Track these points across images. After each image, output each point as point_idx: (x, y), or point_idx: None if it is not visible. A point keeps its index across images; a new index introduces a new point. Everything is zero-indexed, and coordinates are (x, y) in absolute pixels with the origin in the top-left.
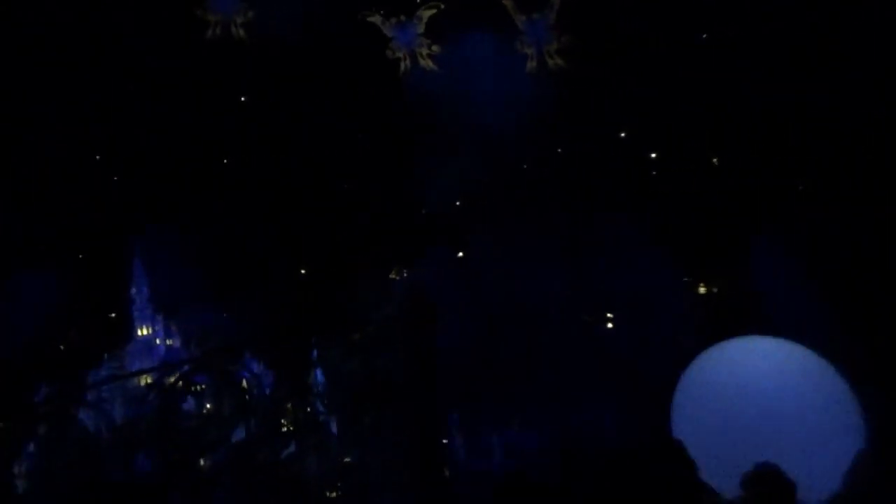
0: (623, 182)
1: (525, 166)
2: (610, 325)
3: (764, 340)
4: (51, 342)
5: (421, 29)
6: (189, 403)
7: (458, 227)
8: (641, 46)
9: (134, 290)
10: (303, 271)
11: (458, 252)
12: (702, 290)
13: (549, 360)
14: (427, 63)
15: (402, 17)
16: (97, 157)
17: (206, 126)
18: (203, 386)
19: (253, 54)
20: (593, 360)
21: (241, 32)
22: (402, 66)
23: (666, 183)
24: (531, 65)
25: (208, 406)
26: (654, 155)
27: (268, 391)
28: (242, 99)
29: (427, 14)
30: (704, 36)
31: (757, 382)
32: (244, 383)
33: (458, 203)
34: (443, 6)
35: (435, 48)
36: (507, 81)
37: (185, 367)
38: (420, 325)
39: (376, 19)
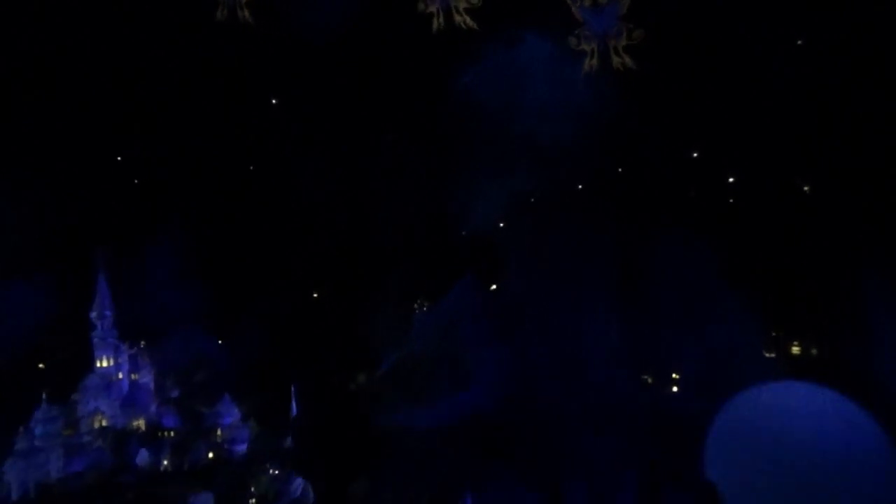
0: (695, 210)
1: (579, 186)
2: (675, 389)
3: (804, 385)
4: None
5: None
6: (143, 457)
7: (496, 255)
8: (728, 48)
9: (95, 314)
10: (314, 295)
11: (491, 284)
12: (795, 349)
13: (598, 430)
14: (464, 19)
15: None
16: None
17: (203, 126)
18: (172, 433)
19: (261, 44)
20: (655, 432)
21: (247, 14)
22: (435, 23)
23: (747, 212)
24: (590, 63)
25: (165, 462)
26: (731, 179)
27: (243, 446)
28: (250, 98)
29: None
30: (799, 42)
31: (795, 427)
32: (219, 432)
33: (500, 224)
34: None
35: (475, 0)
36: (560, 81)
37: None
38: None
39: None
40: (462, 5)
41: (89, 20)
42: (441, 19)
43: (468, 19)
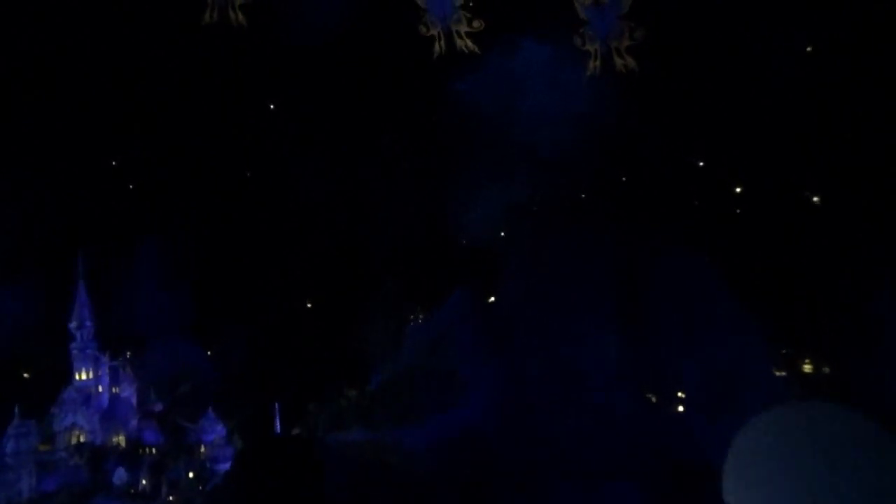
0: (700, 221)
1: (582, 195)
2: (681, 409)
3: (827, 406)
4: None
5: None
6: (120, 476)
7: (495, 265)
8: (734, 53)
9: (74, 324)
10: (308, 304)
11: (489, 295)
12: (807, 367)
13: (600, 451)
14: (465, 43)
15: None
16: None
17: (191, 130)
18: (153, 450)
19: (257, 45)
20: (658, 454)
21: (240, 16)
22: (437, 46)
23: (755, 224)
24: (593, 65)
25: (144, 482)
26: (738, 189)
27: (226, 465)
28: (242, 102)
29: None
30: (809, 49)
31: (819, 449)
32: (202, 450)
33: (501, 234)
34: None
35: (476, 24)
36: (561, 87)
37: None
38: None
39: None
40: (464, 29)
41: (70, 20)
42: (442, 43)
43: (469, 43)
